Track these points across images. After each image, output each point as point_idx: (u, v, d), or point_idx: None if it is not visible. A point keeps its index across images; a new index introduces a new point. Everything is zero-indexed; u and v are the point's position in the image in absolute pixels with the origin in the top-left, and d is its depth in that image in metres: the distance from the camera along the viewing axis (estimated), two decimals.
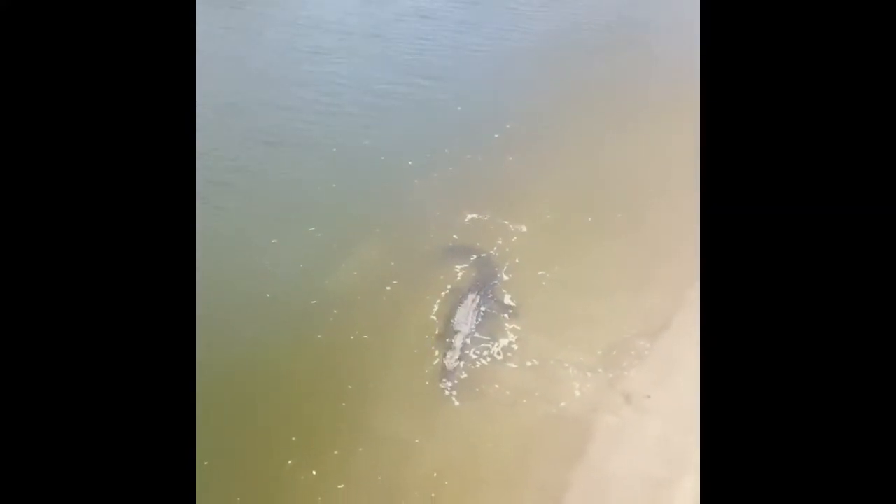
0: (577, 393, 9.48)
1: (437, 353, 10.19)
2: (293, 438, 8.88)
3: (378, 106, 17.71)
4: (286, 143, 16.07)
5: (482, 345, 10.32)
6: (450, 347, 10.12)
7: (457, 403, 9.38)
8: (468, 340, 10.32)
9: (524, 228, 13.02)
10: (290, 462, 8.62)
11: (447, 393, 9.48)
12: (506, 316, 10.90)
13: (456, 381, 9.65)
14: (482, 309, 10.94)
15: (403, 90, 18.51)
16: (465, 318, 10.67)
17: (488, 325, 10.74)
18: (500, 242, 12.68)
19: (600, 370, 9.84)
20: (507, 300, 11.28)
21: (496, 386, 9.65)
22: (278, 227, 13.05)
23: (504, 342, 10.38)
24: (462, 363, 9.92)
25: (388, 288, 11.61)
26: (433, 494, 8.33)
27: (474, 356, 10.11)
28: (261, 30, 22.77)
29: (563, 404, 9.30)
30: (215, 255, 12.18)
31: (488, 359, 10.09)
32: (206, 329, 10.46)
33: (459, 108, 17.71)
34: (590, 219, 13.16)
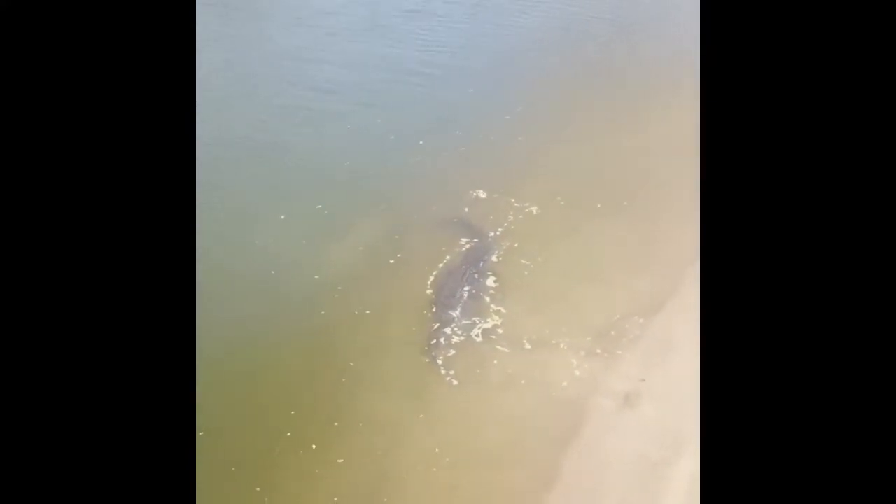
0: (573, 375, 9.51)
1: (434, 329, 10.26)
2: (292, 412, 9.01)
3: (391, 90, 17.72)
4: (297, 122, 16.13)
5: (477, 324, 10.38)
6: (445, 324, 10.19)
7: (455, 383, 9.45)
8: (463, 319, 10.39)
9: (534, 210, 13.03)
10: (288, 434, 8.75)
11: (443, 372, 9.55)
12: (503, 296, 10.92)
13: (451, 360, 9.71)
14: (480, 286, 11.00)
15: (416, 75, 18.49)
16: (462, 296, 10.75)
17: (484, 303, 10.79)
18: (506, 221, 12.71)
19: (596, 352, 9.87)
20: (506, 279, 11.32)
21: (490, 367, 9.71)
22: (285, 205, 13.15)
23: (500, 322, 10.43)
24: (456, 340, 9.99)
25: (391, 261, 11.71)
26: (434, 469, 8.42)
27: (469, 335, 10.17)
28: (270, 9, 22.80)
29: (557, 386, 9.34)
30: (221, 233, 12.32)
31: (483, 338, 10.15)
32: (209, 304, 10.65)
33: (471, 91, 17.71)
34: (599, 205, 13.12)
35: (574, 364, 9.68)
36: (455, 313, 10.48)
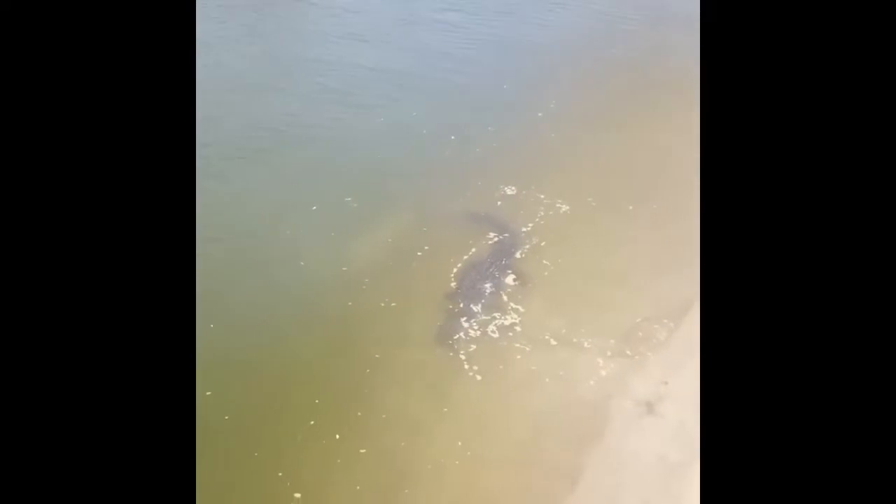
0: (597, 375, 9.48)
1: (458, 324, 10.31)
2: (316, 401, 9.12)
3: (424, 85, 17.87)
4: (331, 114, 16.26)
5: (501, 320, 10.40)
6: (469, 319, 10.24)
7: (478, 378, 9.47)
8: (487, 314, 10.42)
9: (563, 207, 13.01)
10: (311, 423, 8.85)
11: (466, 367, 9.59)
12: (528, 293, 10.93)
13: (474, 355, 9.74)
14: (505, 283, 11.03)
15: (449, 71, 18.58)
16: (487, 291, 10.79)
17: (510, 300, 10.80)
18: (535, 218, 12.72)
19: (620, 354, 9.83)
20: (532, 277, 11.32)
21: (514, 364, 9.71)
22: (317, 196, 13.29)
23: (524, 319, 10.42)
24: (479, 335, 10.03)
25: (419, 253, 11.79)
26: (457, 461, 8.46)
27: (492, 331, 10.19)
28: (305, 4, 22.95)
29: (581, 386, 9.32)
30: (252, 223, 12.57)
31: (506, 335, 10.16)
32: (239, 294, 10.89)
33: (504, 87, 17.73)
34: (631, 207, 13.05)
35: (599, 364, 9.66)
36: (479, 308, 10.52)
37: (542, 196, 13.27)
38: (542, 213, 12.83)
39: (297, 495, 8.05)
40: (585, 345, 9.93)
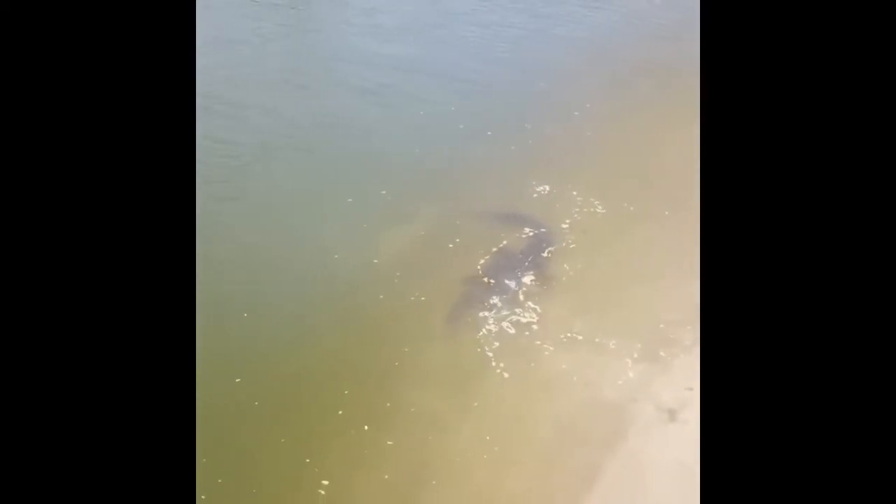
0: (623, 377, 9.54)
1: (486, 320, 10.43)
2: (345, 392, 9.32)
3: (463, 80, 17.88)
4: (373, 108, 16.45)
5: (529, 318, 10.49)
6: (497, 316, 10.36)
7: (505, 376, 9.58)
8: (516, 312, 10.52)
9: (597, 208, 13.02)
10: (339, 412, 9.06)
11: (494, 364, 9.71)
12: (557, 291, 11.02)
13: (502, 352, 9.84)
14: (536, 280, 11.12)
15: (488, 66, 18.63)
16: (517, 288, 10.89)
17: (539, 298, 10.89)
18: (567, 217, 12.75)
19: (646, 357, 9.85)
20: (561, 275, 11.39)
21: (541, 362, 9.80)
22: (353, 188, 13.51)
23: (552, 318, 10.50)
24: (507, 332, 10.14)
25: (450, 245, 11.95)
26: (485, 456, 8.58)
27: (520, 329, 10.30)
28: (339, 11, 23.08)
29: (606, 388, 9.38)
30: (289, 215, 12.88)
31: (534, 333, 10.25)
32: (272, 284, 11.15)
33: (542, 85, 17.72)
34: (667, 212, 12.99)
35: (624, 367, 9.71)
36: (508, 305, 10.63)
37: (577, 195, 13.30)
38: (576, 213, 12.86)
39: (325, 482, 8.25)
40: (611, 346, 9.98)
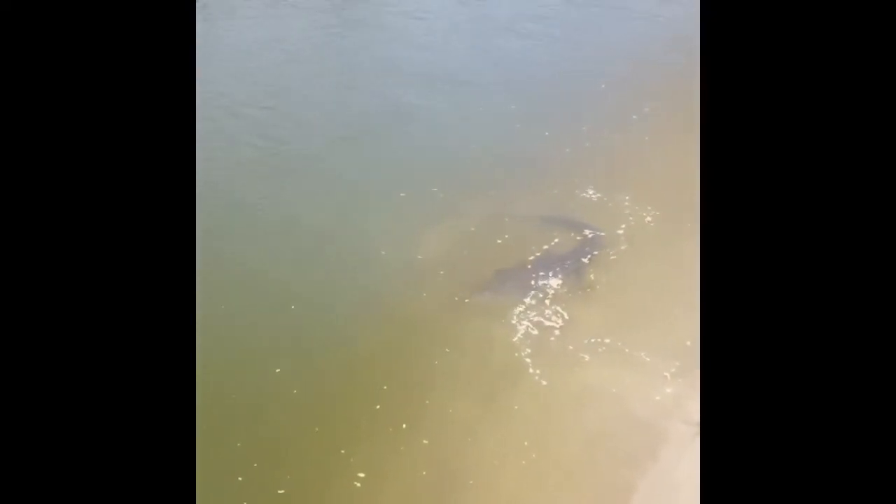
0: (655, 394, 9.42)
1: (526, 324, 10.44)
2: (384, 387, 9.48)
3: (524, 80, 18.07)
4: (433, 102, 16.59)
5: (568, 326, 10.45)
6: (537, 320, 10.39)
7: (543, 383, 9.60)
8: (555, 319, 10.51)
9: (647, 217, 12.88)
10: (377, 407, 9.22)
11: (531, 371, 9.74)
12: (599, 301, 10.96)
13: (540, 359, 9.84)
14: (577, 287, 11.11)
15: (549, 67, 18.61)
16: (558, 294, 10.88)
17: (577, 305, 10.84)
18: (615, 224, 12.66)
19: (680, 374, 9.70)
20: (604, 284, 11.34)
21: (577, 373, 9.74)
22: (406, 183, 13.71)
23: (591, 327, 10.42)
24: (547, 338, 10.14)
25: (496, 245, 12.02)
26: (523, 462, 8.59)
27: (558, 337, 10.26)
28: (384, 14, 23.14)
29: (638, 404, 9.28)
30: (340, 211, 13.11)
31: (573, 342, 10.17)
32: (319, 276, 11.39)
33: (602, 87, 17.57)
34: None
35: (659, 383, 9.60)
36: (548, 311, 10.63)
37: (628, 202, 13.19)
38: (625, 220, 12.76)
39: (361, 474, 8.40)
40: (648, 361, 9.90)
